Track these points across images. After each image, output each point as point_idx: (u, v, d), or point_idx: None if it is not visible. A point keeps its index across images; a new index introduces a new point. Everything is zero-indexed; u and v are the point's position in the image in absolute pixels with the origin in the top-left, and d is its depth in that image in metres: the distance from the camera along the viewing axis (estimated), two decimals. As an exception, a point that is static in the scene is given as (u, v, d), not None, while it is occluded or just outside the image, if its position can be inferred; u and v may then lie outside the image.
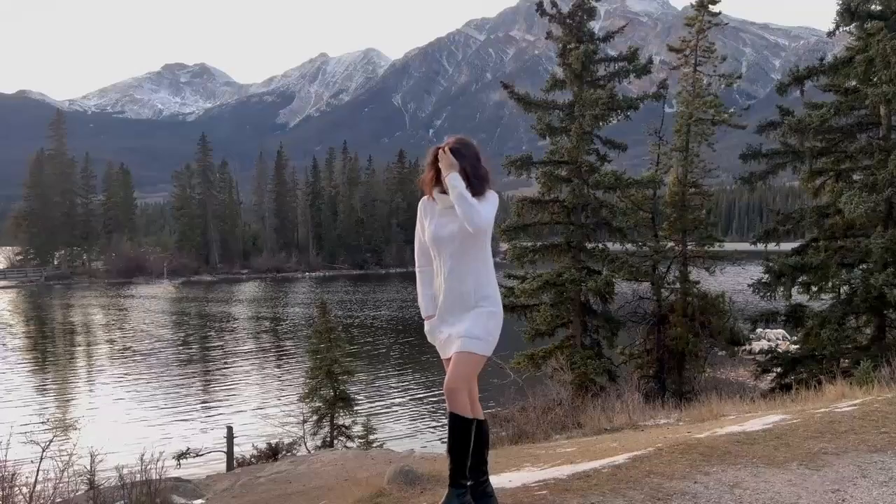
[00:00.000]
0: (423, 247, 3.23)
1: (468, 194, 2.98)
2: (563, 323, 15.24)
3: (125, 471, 6.70)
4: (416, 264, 3.27)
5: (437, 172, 3.13)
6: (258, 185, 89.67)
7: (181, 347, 30.57)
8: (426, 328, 3.21)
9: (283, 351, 29.48)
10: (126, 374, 24.41)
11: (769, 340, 21.84)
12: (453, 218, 3.06)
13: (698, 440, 4.54)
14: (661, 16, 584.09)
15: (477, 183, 3.07)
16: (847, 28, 13.93)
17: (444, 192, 3.09)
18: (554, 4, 15.28)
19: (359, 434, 14.70)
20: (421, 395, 20.24)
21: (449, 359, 3.09)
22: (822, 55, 15.24)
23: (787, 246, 15.23)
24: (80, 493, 6.54)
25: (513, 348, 14.98)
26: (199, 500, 7.40)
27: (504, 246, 17.46)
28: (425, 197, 3.22)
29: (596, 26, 16.32)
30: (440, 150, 3.09)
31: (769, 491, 3.43)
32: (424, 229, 3.19)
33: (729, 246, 16.85)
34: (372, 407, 18.23)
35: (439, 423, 16.46)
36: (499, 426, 9.95)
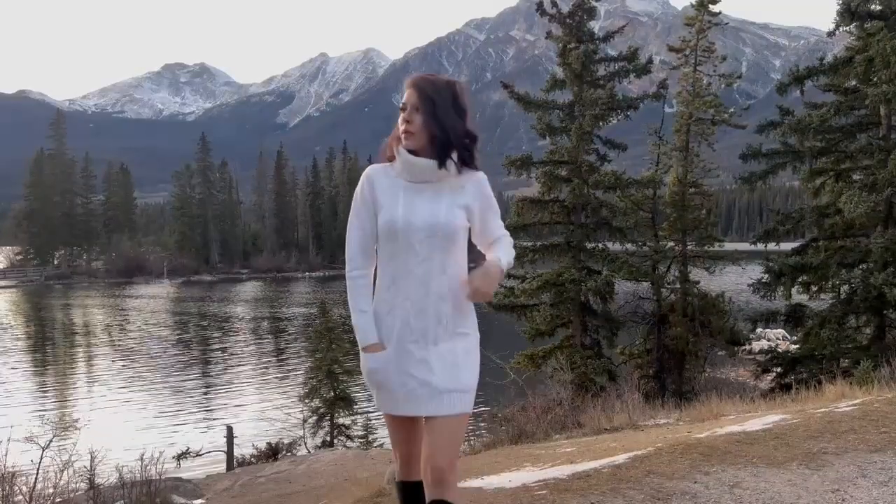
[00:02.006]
0: (365, 240, 2.17)
1: (506, 262, 2.19)
2: (563, 323, 15.24)
3: (125, 471, 6.71)
4: (349, 266, 2.18)
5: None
6: (258, 185, 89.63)
7: (181, 347, 30.57)
8: (370, 364, 2.13)
9: (283, 351, 29.48)
10: (126, 374, 24.40)
11: (769, 340, 21.84)
12: (434, 197, 2.12)
13: (698, 440, 4.54)
14: (661, 16, 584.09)
15: (468, 154, 2.17)
16: (847, 28, 13.92)
17: (416, 152, 2.13)
18: (554, 4, 15.28)
19: (359, 434, 14.73)
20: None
21: (410, 418, 2.13)
22: (822, 55, 15.23)
23: (787, 246, 15.22)
24: (80, 492, 6.54)
25: (513, 348, 14.98)
26: (199, 500, 7.41)
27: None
28: (375, 165, 2.21)
29: (596, 26, 16.32)
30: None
31: (769, 491, 3.43)
32: (377, 211, 2.14)
33: (729, 246, 16.84)
34: (372, 407, 18.22)
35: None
36: (499, 426, 9.95)
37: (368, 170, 2.20)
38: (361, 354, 2.16)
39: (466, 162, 2.16)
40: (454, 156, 2.13)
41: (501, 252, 2.20)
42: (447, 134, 2.11)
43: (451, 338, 2.13)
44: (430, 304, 2.10)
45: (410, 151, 2.12)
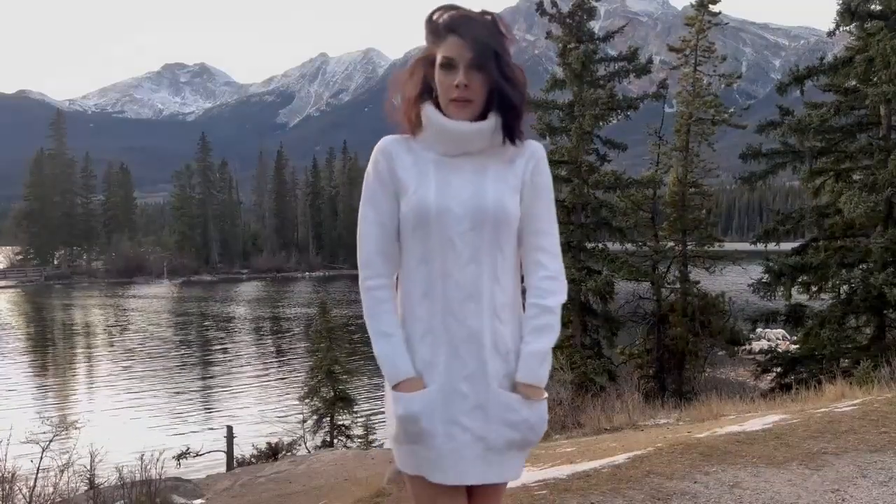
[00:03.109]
0: (385, 237, 1.59)
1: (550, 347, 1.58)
2: (563, 323, 15.22)
3: (125, 471, 6.71)
4: (365, 273, 1.59)
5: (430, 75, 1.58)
6: (258, 185, 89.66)
7: (181, 347, 30.57)
8: (411, 408, 1.52)
9: (283, 351, 29.47)
10: (126, 374, 24.40)
11: (769, 340, 21.83)
12: (477, 173, 1.56)
13: (698, 440, 4.54)
14: (661, 16, 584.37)
15: (515, 122, 1.56)
16: (847, 28, 13.93)
17: (446, 110, 1.56)
18: (554, 4, 15.29)
19: (359, 434, 14.73)
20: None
21: (449, 488, 1.54)
22: (822, 55, 15.24)
23: (787, 246, 15.24)
24: (80, 492, 6.55)
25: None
26: (199, 500, 7.41)
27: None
28: (391, 137, 1.64)
29: (596, 26, 16.34)
30: None
31: (769, 491, 3.43)
32: (399, 196, 1.58)
33: (729, 246, 16.86)
34: (372, 407, 18.22)
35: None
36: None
37: (382, 142, 1.62)
38: (391, 395, 1.55)
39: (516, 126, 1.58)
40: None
41: (534, 337, 1.56)
42: (522, 96, 1.55)
43: (513, 374, 1.55)
44: (485, 325, 1.52)
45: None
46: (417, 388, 1.53)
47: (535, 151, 1.61)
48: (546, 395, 1.59)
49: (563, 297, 1.59)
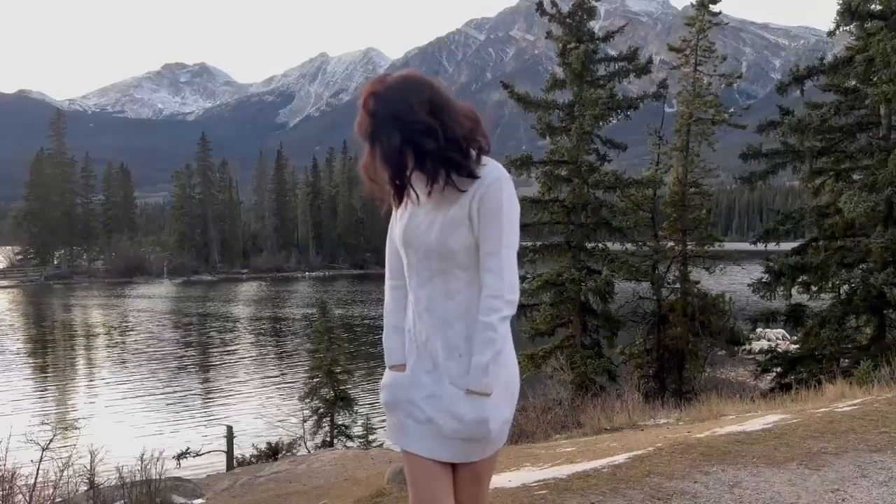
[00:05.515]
0: (396, 252, 1.95)
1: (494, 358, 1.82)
2: (563, 323, 15.25)
3: (125, 470, 6.70)
4: (386, 275, 2.00)
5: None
6: (258, 185, 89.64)
7: (181, 347, 30.56)
8: (383, 381, 1.93)
9: (283, 351, 29.47)
10: (126, 374, 24.40)
11: (769, 340, 21.85)
12: (433, 211, 1.79)
13: (698, 440, 4.54)
14: (661, 16, 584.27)
15: (459, 157, 1.75)
16: (847, 28, 13.93)
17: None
18: (554, 4, 15.29)
19: (359, 434, 14.73)
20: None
21: (415, 455, 1.82)
22: (822, 55, 15.25)
23: (787, 246, 15.23)
24: (80, 492, 6.55)
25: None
26: (199, 500, 7.41)
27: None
28: None
29: (596, 26, 16.32)
30: None
31: (769, 491, 3.43)
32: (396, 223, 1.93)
33: (729, 246, 16.85)
34: (372, 407, 18.24)
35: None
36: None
37: None
38: (386, 373, 1.94)
39: (453, 171, 1.74)
40: (429, 169, 1.74)
41: (479, 350, 1.79)
42: (389, 158, 1.76)
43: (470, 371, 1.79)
44: (437, 332, 1.81)
45: None
46: (400, 371, 1.90)
47: (483, 181, 1.76)
48: (490, 394, 1.79)
49: (507, 311, 1.81)
